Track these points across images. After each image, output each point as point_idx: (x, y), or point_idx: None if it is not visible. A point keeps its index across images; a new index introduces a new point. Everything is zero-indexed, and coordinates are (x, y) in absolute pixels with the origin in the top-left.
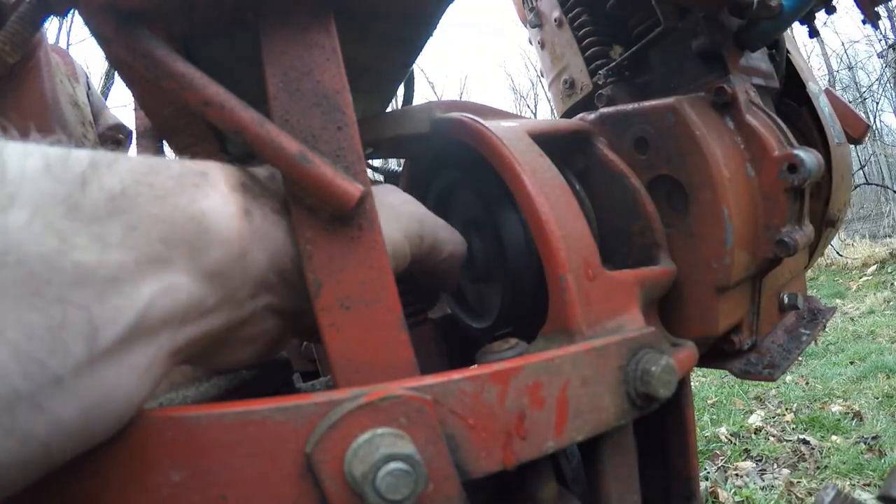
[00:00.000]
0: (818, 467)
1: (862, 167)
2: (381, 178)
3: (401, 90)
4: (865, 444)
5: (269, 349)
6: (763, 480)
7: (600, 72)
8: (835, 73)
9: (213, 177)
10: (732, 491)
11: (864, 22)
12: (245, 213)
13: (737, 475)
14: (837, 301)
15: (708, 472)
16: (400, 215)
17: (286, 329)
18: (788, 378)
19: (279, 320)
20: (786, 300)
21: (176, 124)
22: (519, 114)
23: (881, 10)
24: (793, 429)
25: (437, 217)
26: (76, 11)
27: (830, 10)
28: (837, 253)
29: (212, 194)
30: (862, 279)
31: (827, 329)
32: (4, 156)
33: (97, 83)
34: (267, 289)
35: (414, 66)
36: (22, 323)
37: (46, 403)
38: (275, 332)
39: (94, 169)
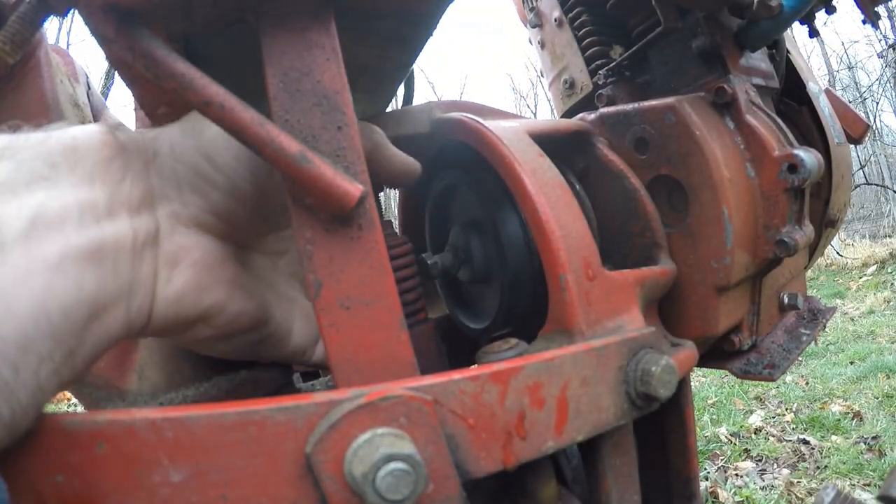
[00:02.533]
0: (818, 467)
1: (862, 167)
2: None
3: (401, 90)
4: (865, 444)
5: (207, 277)
6: (763, 480)
7: (600, 72)
8: (835, 73)
9: (86, 124)
10: (732, 491)
11: (864, 22)
12: (109, 130)
13: (737, 475)
14: (837, 301)
15: (708, 472)
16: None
17: (222, 252)
18: (788, 378)
19: (202, 236)
20: (786, 300)
21: None
22: (519, 114)
23: (881, 10)
24: (793, 429)
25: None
26: (76, 11)
27: (830, 10)
28: (837, 253)
29: (81, 127)
30: (862, 279)
31: (827, 329)
32: None
33: (97, 83)
34: (162, 195)
35: (414, 66)
36: None
37: None
38: (202, 251)
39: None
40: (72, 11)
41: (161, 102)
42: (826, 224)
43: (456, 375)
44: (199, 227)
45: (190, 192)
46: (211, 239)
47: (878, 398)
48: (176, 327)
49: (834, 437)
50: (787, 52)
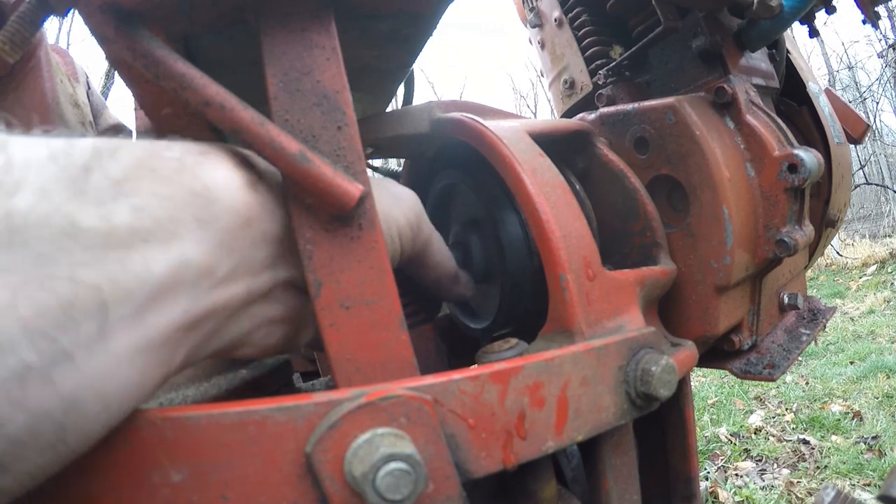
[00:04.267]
0: (818, 467)
1: (862, 167)
2: (381, 178)
3: (401, 90)
4: (865, 444)
5: (297, 331)
6: (763, 480)
7: (600, 72)
8: (835, 73)
9: (214, 154)
10: (732, 491)
11: (864, 22)
12: (249, 183)
13: (737, 475)
14: (837, 301)
15: (708, 472)
16: (401, 202)
17: (309, 307)
18: (788, 378)
19: (302, 299)
20: (786, 300)
21: (176, 124)
22: (519, 114)
23: (881, 10)
24: (793, 429)
25: (434, 229)
26: (76, 11)
27: (830, 10)
28: (837, 253)
29: (215, 169)
30: (862, 279)
31: (827, 329)
32: (10, 147)
33: (97, 83)
34: (283, 262)
35: (414, 65)
36: (33, 300)
37: (57, 378)
38: (299, 312)
39: (97, 157)
40: (72, 11)
41: (161, 103)
42: (826, 224)
43: (456, 375)
44: (302, 291)
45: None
46: (305, 299)
47: (878, 398)
48: (242, 357)
49: (834, 437)
50: (787, 52)
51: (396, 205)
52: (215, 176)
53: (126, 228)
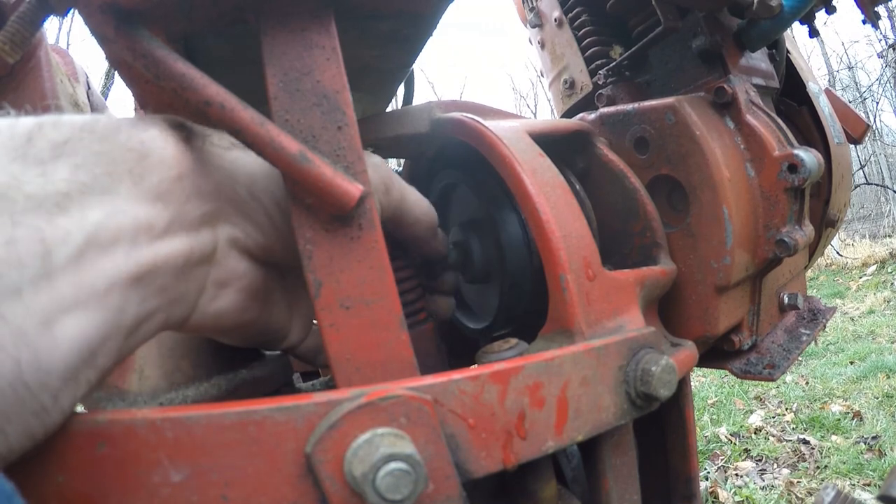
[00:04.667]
0: (818, 467)
1: (862, 167)
2: None
3: (401, 90)
4: (865, 444)
5: (254, 302)
6: (763, 480)
7: (600, 72)
8: (835, 73)
9: (150, 118)
10: (732, 491)
11: (864, 22)
12: (182, 140)
13: (737, 475)
14: (837, 301)
15: (708, 472)
16: (367, 159)
17: (264, 278)
18: (788, 378)
19: (251, 263)
20: (786, 300)
21: None
22: (519, 114)
23: (881, 10)
24: (793, 429)
25: (408, 185)
26: (76, 11)
27: (830, 10)
28: (837, 253)
29: (150, 129)
30: (862, 279)
31: (827, 329)
32: None
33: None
34: (225, 219)
35: (414, 65)
36: None
37: (6, 312)
38: (250, 278)
39: (39, 127)
40: (72, 11)
41: (161, 103)
42: (826, 224)
43: (456, 375)
44: (250, 256)
45: (250, 223)
46: (257, 267)
47: (878, 398)
48: (204, 333)
49: (834, 437)
50: (787, 52)
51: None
52: (148, 134)
53: (64, 183)
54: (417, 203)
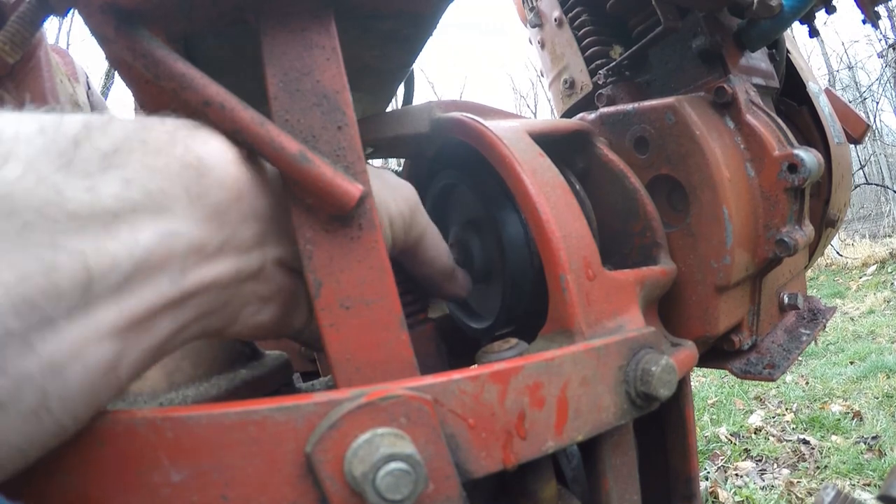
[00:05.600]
0: (818, 467)
1: (862, 167)
2: (379, 167)
3: (401, 90)
4: (865, 444)
5: (288, 311)
6: (763, 480)
7: (600, 72)
8: (835, 73)
9: (206, 129)
10: (732, 491)
11: (864, 22)
12: (240, 158)
13: (737, 475)
14: (837, 301)
15: (708, 472)
16: (396, 191)
17: (297, 285)
18: (788, 378)
19: (293, 278)
20: (786, 300)
21: None
22: (519, 114)
23: (881, 10)
24: (793, 429)
25: (431, 222)
26: (76, 11)
27: (830, 10)
28: (837, 253)
29: (207, 143)
30: (862, 279)
31: (827, 329)
32: (0, 120)
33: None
34: (274, 239)
35: (414, 65)
36: (15, 266)
37: (38, 344)
38: (290, 291)
39: (87, 130)
40: (72, 11)
41: (161, 103)
42: (826, 224)
43: (456, 375)
44: (294, 271)
45: (292, 241)
46: (296, 279)
47: (878, 398)
48: (235, 338)
49: (834, 437)
50: (787, 51)
51: (391, 194)
52: (207, 149)
53: (114, 200)
54: (434, 245)
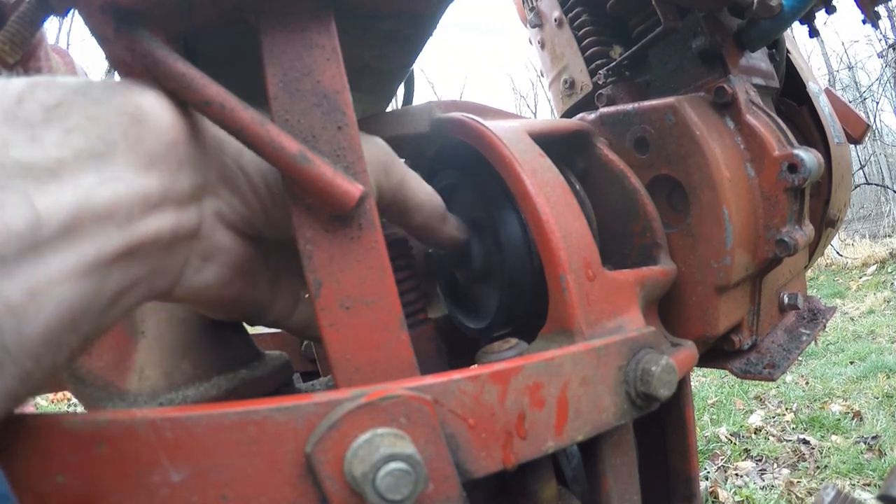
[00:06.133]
0: (818, 467)
1: (862, 167)
2: None
3: (401, 90)
4: (865, 443)
5: (241, 278)
6: (763, 480)
7: (600, 72)
8: (835, 73)
9: (144, 82)
10: (732, 491)
11: (864, 22)
12: (177, 106)
13: (737, 475)
14: (837, 301)
15: (708, 472)
16: (366, 142)
17: (247, 252)
18: (788, 378)
19: (235, 237)
20: (786, 300)
21: None
22: (519, 114)
23: (881, 9)
24: (793, 429)
25: (410, 169)
26: (76, 11)
27: (830, 10)
28: (837, 253)
29: (146, 93)
30: (862, 279)
31: (827, 329)
32: None
33: None
34: (212, 192)
35: (414, 65)
36: None
37: None
38: (233, 252)
39: (31, 88)
40: (72, 11)
41: None
42: (826, 224)
43: (456, 375)
44: (234, 230)
45: (236, 196)
46: (241, 241)
47: (878, 398)
48: (187, 303)
49: (834, 437)
50: (787, 51)
51: (364, 143)
52: (144, 99)
53: (56, 147)
54: (420, 188)
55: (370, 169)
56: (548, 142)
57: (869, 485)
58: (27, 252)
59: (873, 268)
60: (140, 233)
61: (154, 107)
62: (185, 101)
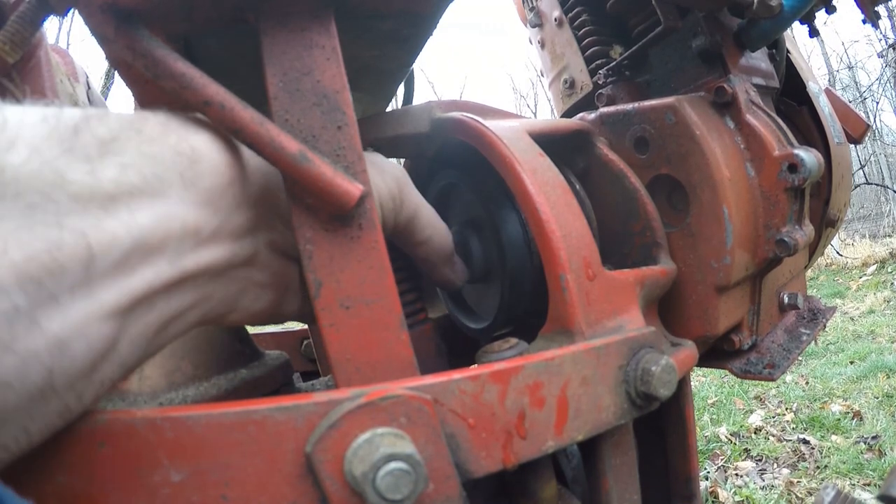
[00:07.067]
0: (818, 467)
1: (862, 167)
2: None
3: (401, 90)
4: (865, 443)
5: (284, 297)
6: (763, 480)
7: (600, 71)
8: (835, 73)
9: (197, 119)
10: (732, 491)
11: (864, 22)
12: (231, 146)
13: (737, 475)
14: (837, 301)
15: (708, 472)
16: (384, 172)
17: (296, 272)
18: (788, 378)
19: (287, 262)
20: (786, 300)
21: None
22: (519, 114)
23: (881, 9)
24: (793, 429)
25: (426, 201)
26: (76, 11)
27: (830, 10)
28: (837, 253)
29: (198, 132)
30: (862, 279)
31: (827, 329)
32: (5, 111)
33: (97, 83)
34: (266, 224)
35: (414, 65)
36: (22, 245)
37: (43, 321)
38: (285, 276)
39: (86, 119)
40: (72, 11)
41: (161, 103)
42: (826, 224)
43: (456, 375)
44: (286, 256)
45: (287, 225)
46: (291, 265)
47: (878, 398)
48: (237, 325)
49: (834, 437)
50: (787, 51)
51: (378, 174)
52: (199, 138)
53: (112, 183)
54: (430, 223)
55: (381, 202)
56: (548, 141)
57: (869, 485)
58: (78, 289)
59: (873, 268)
60: (192, 265)
61: (209, 147)
62: (234, 141)
